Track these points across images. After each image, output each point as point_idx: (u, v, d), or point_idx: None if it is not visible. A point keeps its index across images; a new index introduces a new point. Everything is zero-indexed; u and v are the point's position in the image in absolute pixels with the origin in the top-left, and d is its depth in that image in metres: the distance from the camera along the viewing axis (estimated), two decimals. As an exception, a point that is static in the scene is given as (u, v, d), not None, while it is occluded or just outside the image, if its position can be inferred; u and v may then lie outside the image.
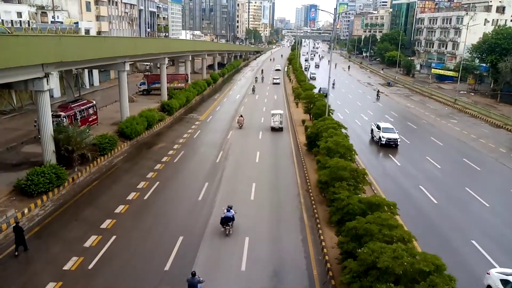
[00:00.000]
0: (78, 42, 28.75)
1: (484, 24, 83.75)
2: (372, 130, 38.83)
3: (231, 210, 19.32)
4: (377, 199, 16.76)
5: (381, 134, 36.11)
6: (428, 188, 26.33)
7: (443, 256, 12.85)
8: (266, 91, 70.22)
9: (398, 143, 35.91)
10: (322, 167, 23.00)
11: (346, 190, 19.01)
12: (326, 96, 51.77)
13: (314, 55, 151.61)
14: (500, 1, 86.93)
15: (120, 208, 21.70)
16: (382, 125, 37.73)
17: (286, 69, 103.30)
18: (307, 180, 26.65)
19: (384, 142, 35.69)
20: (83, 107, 33.98)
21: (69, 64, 27.66)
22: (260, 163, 30.47)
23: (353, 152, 25.10)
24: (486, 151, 36.36)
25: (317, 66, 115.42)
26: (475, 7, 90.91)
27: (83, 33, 54.96)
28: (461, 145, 38.50)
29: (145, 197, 23.37)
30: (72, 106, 32.79)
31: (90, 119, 34.81)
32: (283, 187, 25.94)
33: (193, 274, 14.31)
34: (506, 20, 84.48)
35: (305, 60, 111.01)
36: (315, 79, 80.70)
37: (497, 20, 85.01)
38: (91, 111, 35.24)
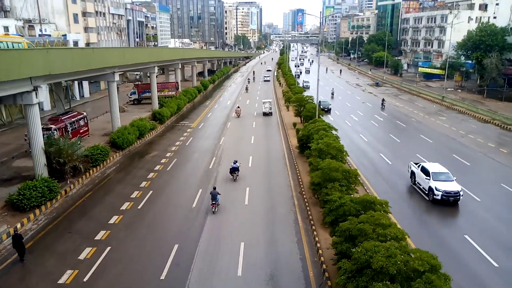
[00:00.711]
0: (66, 55, 28.74)
1: (468, 22, 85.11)
2: (412, 173, 26.88)
3: (236, 163, 27.87)
4: (369, 198, 16.94)
5: (433, 183, 23.83)
6: (420, 186, 26.58)
7: (436, 252, 13.04)
8: (258, 90, 78.04)
9: (461, 197, 23.51)
10: (314, 169, 23.19)
11: (339, 191, 19.20)
12: (329, 111, 52.40)
13: (303, 60, 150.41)
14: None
15: (114, 219, 21.64)
16: (431, 167, 25.10)
17: (276, 73, 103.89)
18: (300, 183, 26.81)
19: (440, 198, 23.26)
20: (74, 119, 33.86)
21: (58, 76, 27.62)
22: (253, 168, 30.58)
23: (344, 153, 25.33)
24: (475, 147, 36.86)
25: (307, 71, 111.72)
26: (459, 5, 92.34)
27: (71, 45, 54.84)
28: (450, 141, 38.98)
29: (139, 207, 23.34)
30: (62, 118, 32.65)
31: (81, 131, 34.70)
32: (277, 190, 26.07)
33: (214, 188, 22.73)
34: (489, 17, 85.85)
35: (296, 66, 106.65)
36: (308, 88, 74.83)
37: (480, 17, 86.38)
38: (81, 122, 35.13)
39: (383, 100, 59.10)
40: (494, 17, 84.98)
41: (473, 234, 20.01)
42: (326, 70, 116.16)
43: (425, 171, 25.33)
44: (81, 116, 35.36)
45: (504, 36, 67.00)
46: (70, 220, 21.83)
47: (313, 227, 20.26)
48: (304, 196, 24.31)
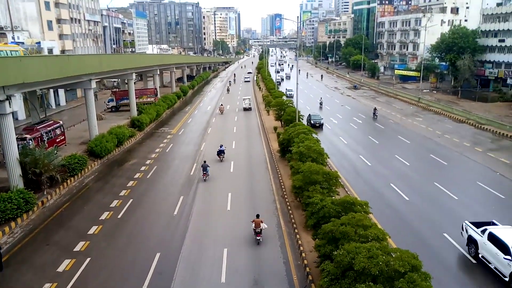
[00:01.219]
0: (40, 62, 28.09)
1: (441, 25, 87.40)
2: (471, 240, 18.26)
3: (222, 146, 33.58)
4: (349, 199, 17.12)
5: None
6: (399, 186, 27.08)
7: (416, 251, 13.24)
8: (239, 90, 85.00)
9: None
10: (295, 172, 23.31)
11: (320, 194, 19.32)
12: (320, 126, 45.19)
13: (283, 64, 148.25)
14: (453, 3, 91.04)
15: (93, 229, 21.18)
16: (508, 238, 16.33)
17: (255, 78, 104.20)
18: (282, 186, 26.88)
19: None
20: (50, 128, 33.11)
21: (32, 85, 26.97)
22: (235, 173, 30.50)
23: (324, 156, 25.56)
24: (451, 146, 37.76)
25: (288, 77, 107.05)
26: (431, 9, 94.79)
27: (46, 52, 53.65)
28: (427, 141, 39.83)
29: (119, 216, 22.93)
30: (38, 127, 31.90)
31: (57, 140, 33.95)
32: (259, 194, 26.05)
33: (205, 162, 28.91)
34: (460, 20, 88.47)
35: (276, 72, 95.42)
36: (292, 96, 63.62)
37: (452, 20, 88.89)
38: (58, 131, 34.38)
39: (375, 109, 52.75)
40: (465, 20, 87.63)
41: (451, 232, 20.42)
42: (307, 75, 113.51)
43: (498, 242, 16.43)
44: (57, 125, 34.61)
45: (475, 38, 69.19)
46: (48, 231, 21.26)
47: (296, 231, 20.31)
48: (286, 200, 24.37)
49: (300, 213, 21.73)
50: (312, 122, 45.09)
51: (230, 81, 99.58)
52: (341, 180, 23.41)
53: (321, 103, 61.56)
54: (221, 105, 59.56)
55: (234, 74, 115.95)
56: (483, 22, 71.88)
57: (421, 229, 21.16)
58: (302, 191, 21.10)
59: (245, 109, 59.17)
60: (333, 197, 19.75)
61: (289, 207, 23.27)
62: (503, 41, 65.68)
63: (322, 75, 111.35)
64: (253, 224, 19.49)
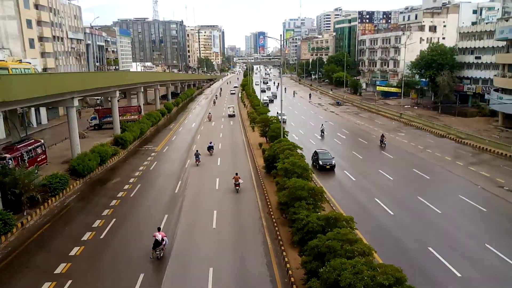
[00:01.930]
0: (22, 81, 27.70)
1: (420, 42, 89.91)
2: None
3: (212, 143, 41.90)
4: (334, 214, 17.16)
5: None
6: (384, 200, 27.29)
7: (402, 265, 13.29)
8: (224, 101, 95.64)
9: None
10: (281, 188, 23.31)
11: (306, 209, 19.32)
12: (332, 168, 34.53)
13: (268, 83, 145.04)
14: (431, 21, 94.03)
15: (75, 250, 20.62)
16: None
17: (240, 95, 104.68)
18: (268, 203, 26.78)
19: None
20: (30, 147, 32.45)
21: (12, 103, 26.52)
22: (220, 190, 30.29)
23: (309, 171, 25.67)
24: (433, 160, 38.40)
25: (274, 96, 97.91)
26: (410, 27, 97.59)
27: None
28: (410, 156, 40.43)
29: (102, 236, 22.41)
30: (18, 147, 31.23)
31: (38, 159, 33.26)
32: (245, 212, 25.87)
33: (197, 151, 37.18)
34: (438, 38, 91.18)
35: (262, 92, 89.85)
36: (285, 121, 55.87)
37: (431, 38, 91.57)
38: (39, 150, 33.71)
39: (382, 136, 44.27)
40: (443, 38, 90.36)
41: (436, 246, 20.59)
42: (293, 94, 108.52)
43: None
44: (38, 143, 33.97)
45: (453, 55, 71.35)
46: (28, 253, 20.60)
47: (282, 248, 20.17)
48: (273, 216, 24.25)
49: (286, 229, 21.63)
50: (320, 163, 34.41)
51: (216, 95, 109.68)
52: (326, 196, 23.47)
53: (322, 131, 48.58)
54: (209, 113, 69.57)
55: (221, 89, 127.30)
56: (460, 40, 74.27)
57: (406, 243, 21.26)
58: (288, 207, 21.07)
59: (230, 116, 68.96)
60: (319, 213, 19.76)
61: (275, 224, 23.15)
62: (479, 58, 67.90)
63: (310, 94, 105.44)
64: (234, 180, 29.37)
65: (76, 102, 35.78)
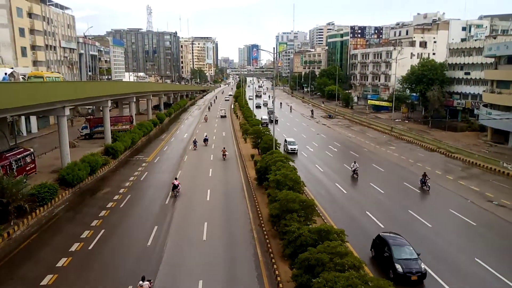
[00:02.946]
0: (12, 89, 27.49)
1: (411, 58, 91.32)
2: None
3: (207, 136, 52.85)
4: (325, 227, 17.13)
5: None
6: (375, 213, 27.34)
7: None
8: (218, 107, 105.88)
9: None
10: (272, 200, 23.24)
11: (297, 222, 19.25)
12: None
13: (261, 96, 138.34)
14: (422, 37, 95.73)
15: (62, 261, 20.24)
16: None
17: (233, 106, 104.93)
18: (259, 215, 26.65)
19: None
20: (19, 155, 32.06)
21: (2, 111, 26.27)
22: (211, 202, 30.11)
23: (301, 184, 25.68)
24: (424, 174, 38.58)
25: (271, 112, 78.63)
26: (401, 42, 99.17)
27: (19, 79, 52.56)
28: (400, 169, 40.67)
29: (90, 247, 22.05)
30: (6, 155, 30.83)
31: (27, 168, 32.83)
32: (236, 223, 25.70)
33: (195, 139, 50.91)
34: (428, 53, 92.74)
35: (257, 107, 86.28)
36: (295, 152, 47.18)
37: (421, 53, 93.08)
38: (28, 159, 33.30)
39: (424, 176, 33.91)
40: (434, 54, 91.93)
41: (425, 259, 20.55)
42: (291, 109, 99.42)
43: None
44: (28, 152, 33.58)
45: (443, 71, 72.43)
46: (13, 265, 20.17)
47: (273, 260, 20.01)
48: (264, 229, 24.12)
49: (278, 242, 21.50)
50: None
51: (211, 102, 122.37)
52: (317, 208, 23.46)
53: (355, 171, 37.23)
54: (206, 115, 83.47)
55: (216, 97, 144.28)
56: (450, 55, 75.54)
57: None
58: (279, 219, 20.98)
59: (222, 116, 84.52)
60: (310, 225, 19.70)
61: (266, 236, 23.01)
62: (468, 73, 69.03)
63: (312, 111, 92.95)
64: (222, 153, 40.58)
65: (67, 111, 35.58)
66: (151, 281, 17.14)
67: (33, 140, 52.26)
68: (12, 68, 54.11)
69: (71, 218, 26.86)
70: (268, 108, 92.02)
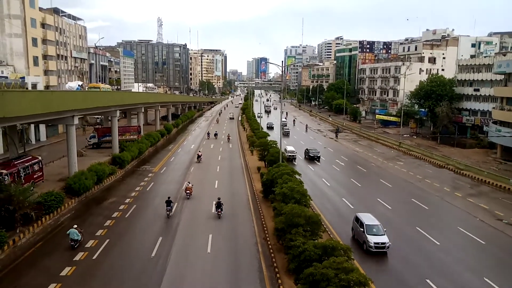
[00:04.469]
0: (23, 97, 27.83)
1: (419, 73, 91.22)
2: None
3: (217, 131, 68.83)
4: (331, 243, 16.92)
5: None
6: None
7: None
8: (228, 114, 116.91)
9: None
10: (278, 213, 23.05)
11: (302, 237, 19.04)
12: None
13: (270, 111, 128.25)
14: (431, 53, 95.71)
15: (66, 270, 20.19)
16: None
17: (240, 118, 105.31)
18: (265, 228, 26.43)
19: None
20: (27, 163, 32.30)
21: (12, 119, 26.60)
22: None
23: (307, 198, 25.49)
24: (432, 191, 38.20)
25: (286, 133, 74.45)
26: (410, 58, 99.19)
27: (30, 87, 53.38)
28: (408, 185, 40.24)
29: (94, 257, 21.99)
30: (15, 163, 31.08)
31: (35, 176, 33.02)
32: (241, 237, 25.50)
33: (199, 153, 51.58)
34: (437, 69, 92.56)
35: (269, 128, 78.30)
36: (294, 158, 49.91)
37: (430, 69, 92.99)
38: (36, 167, 33.51)
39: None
40: (443, 69, 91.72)
41: (434, 278, 20.21)
42: (306, 128, 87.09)
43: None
44: (36, 160, 33.82)
45: (452, 87, 72.18)
46: (17, 272, 20.16)
47: (278, 275, 19.76)
48: (269, 242, 23.89)
49: (282, 256, 21.25)
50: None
51: (221, 110, 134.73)
52: (324, 223, 23.23)
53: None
54: (218, 118, 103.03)
55: (227, 104, 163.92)
56: (459, 72, 75.33)
57: (404, 274, 20.88)
58: (285, 233, 20.77)
59: (230, 118, 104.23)
60: (316, 240, 19.47)
61: (271, 250, 22.77)
62: (478, 90, 68.69)
63: (337, 131, 79.75)
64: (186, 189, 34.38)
65: (76, 120, 35.91)
66: None
67: (41, 148, 52.71)
68: (24, 77, 55.10)
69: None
70: (283, 128, 72.62)
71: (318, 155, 52.58)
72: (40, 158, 35.16)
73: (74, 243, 22.79)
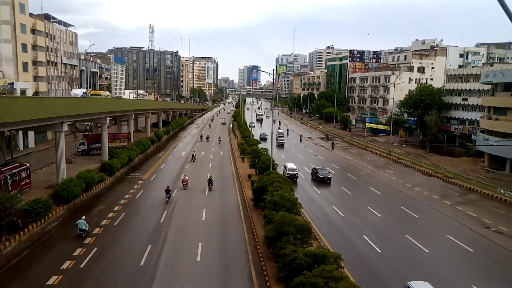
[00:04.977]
0: (11, 103, 27.55)
1: (409, 82, 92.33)
2: None
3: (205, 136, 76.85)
4: (321, 251, 16.91)
5: None
6: (371, 237, 27.05)
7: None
8: (220, 120, 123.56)
9: None
10: (268, 221, 23.00)
11: (293, 245, 19.01)
12: None
13: (262, 120, 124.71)
14: (420, 63, 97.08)
15: (53, 279, 19.83)
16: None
17: (231, 125, 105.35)
18: (255, 236, 26.33)
19: None
20: (15, 170, 31.84)
21: (1, 125, 26.23)
22: (207, 221, 29.80)
23: (298, 206, 25.49)
24: (421, 199, 38.50)
25: (281, 144, 71.59)
26: (399, 67, 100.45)
27: (18, 93, 52.83)
28: (398, 193, 40.50)
29: (82, 265, 21.65)
30: (2, 170, 30.60)
31: (22, 183, 32.55)
32: (231, 244, 25.36)
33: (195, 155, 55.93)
34: (426, 78, 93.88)
35: (262, 139, 71.58)
36: (296, 177, 43.78)
37: (419, 78, 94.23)
38: (23, 174, 33.04)
39: None
40: (431, 79, 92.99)
41: (423, 286, 20.22)
42: (300, 138, 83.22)
43: None
44: (23, 167, 33.36)
45: (440, 96, 73.12)
46: (2, 282, 19.74)
47: (268, 283, 19.64)
48: (259, 250, 23.78)
49: (273, 264, 21.16)
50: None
51: (213, 117, 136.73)
52: (314, 231, 23.24)
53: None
54: (211, 122, 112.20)
55: (219, 111, 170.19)
56: (447, 81, 76.41)
57: (392, 282, 20.91)
58: (275, 241, 20.72)
59: (222, 123, 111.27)
60: (306, 248, 19.44)
61: (261, 258, 22.66)
62: (466, 99, 69.67)
63: (333, 143, 74.95)
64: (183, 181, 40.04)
65: (65, 127, 35.58)
66: None
67: (29, 155, 52.02)
68: (12, 83, 54.55)
69: (64, 235, 26.46)
70: (279, 141, 72.09)
71: (329, 177, 43.54)
72: (28, 165, 34.71)
73: (82, 232, 25.58)
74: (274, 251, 21.13)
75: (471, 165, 55.33)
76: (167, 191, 34.58)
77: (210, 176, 40.07)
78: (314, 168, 46.25)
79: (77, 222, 25.85)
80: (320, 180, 43.42)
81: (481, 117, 59.96)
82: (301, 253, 17.24)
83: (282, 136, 77.83)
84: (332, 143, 74.05)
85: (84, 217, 26.48)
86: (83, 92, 62.01)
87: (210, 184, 38.84)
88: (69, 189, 31.87)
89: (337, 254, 16.96)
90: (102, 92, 76.77)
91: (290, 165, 45.43)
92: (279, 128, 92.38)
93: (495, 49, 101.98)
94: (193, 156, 55.98)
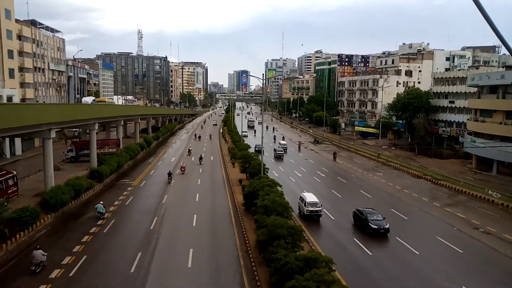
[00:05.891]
0: (-2, 110, 27.14)
1: (397, 86, 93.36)
2: None
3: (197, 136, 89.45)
4: (313, 254, 16.92)
5: None
6: (362, 240, 27.16)
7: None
8: (210, 125, 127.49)
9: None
10: (260, 226, 22.96)
11: (284, 249, 18.99)
12: None
13: (254, 127, 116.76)
14: (407, 66, 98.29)
15: (40, 289, 19.50)
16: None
17: (221, 130, 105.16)
18: (246, 241, 26.25)
19: None
20: (1, 178, 31.33)
21: (-15, 133, 25.79)
22: (198, 227, 29.64)
23: (289, 209, 25.51)
24: (411, 201, 38.82)
25: (279, 156, 64.22)
26: (387, 71, 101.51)
27: (5, 100, 52.12)
28: (388, 196, 40.78)
29: (71, 274, 21.33)
30: (-13, 178, 30.10)
31: (9, 191, 32.02)
32: (222, 250, 25.24)
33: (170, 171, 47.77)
34: (414, 82, 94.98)
35: (257, 152, 55.02)
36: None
37: (407, 82, 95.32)
38: (10, 182, 32.52)
39: None
40: (419, 82, 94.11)
41: (412, 286, 20.37)
42: (299, 147, 76.24)
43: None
44: (10, 175, 32.84)
45: (428, 99, 74.06)
46: (-12, 293, 19.35)
47: (259, 288, 19.58)
48: (251, 255, 23.71)
49: (265, 269, 21.10)
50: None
51: (205, 120, 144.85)
52: (305, 234, 23.22)
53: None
54: (202, 124, 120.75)
55: (210, 115, 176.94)
56: (435, 84, 77.44)
57: (384, 284, 21.00)
58: (267, 246, 20.68)
59: (214, 125, 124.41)
60: (298, 252, 19.44)
61: (253, 263, 22.59)
62: (453, 102, 70.66)
63: (335, 154, 64.84)
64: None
65: (53, 134, 35.15)
66: None
67: (16, 163, 51.26)
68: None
69: (52, 244, 26.04)
70: (277, 152, 64.92)
71: (386, 227, 28.23)
72: (15, 172, 34.19)
73: (99, 214, 30.35)
74: (265, 256, 21.09)
75: (459, 167, 56.02)
76: (169, 174, 44.28)
77: (201, 155, 55.38)
78: (358, 210, 30.78)
79: (96, 206, 30.60)
80: (375, 232, 28.06)
81: (468, 119, 60.83)
82: (293, 257, 17.23)
83: (282, 151, 65.96)
84: (334, 153, 65.01)
85: (101, 202, 31.68)
86: (93, 100, 75.55)
87: (201, 160, 54.51)
88: (57, 197, 31.45)
89: (329, 258, 16.98)
90: (106, 99, 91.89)
91: (310, 197, 32.17)
92: (282, 139, 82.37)
93: (480, 52, 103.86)
94: (182, 168, 50.28)
